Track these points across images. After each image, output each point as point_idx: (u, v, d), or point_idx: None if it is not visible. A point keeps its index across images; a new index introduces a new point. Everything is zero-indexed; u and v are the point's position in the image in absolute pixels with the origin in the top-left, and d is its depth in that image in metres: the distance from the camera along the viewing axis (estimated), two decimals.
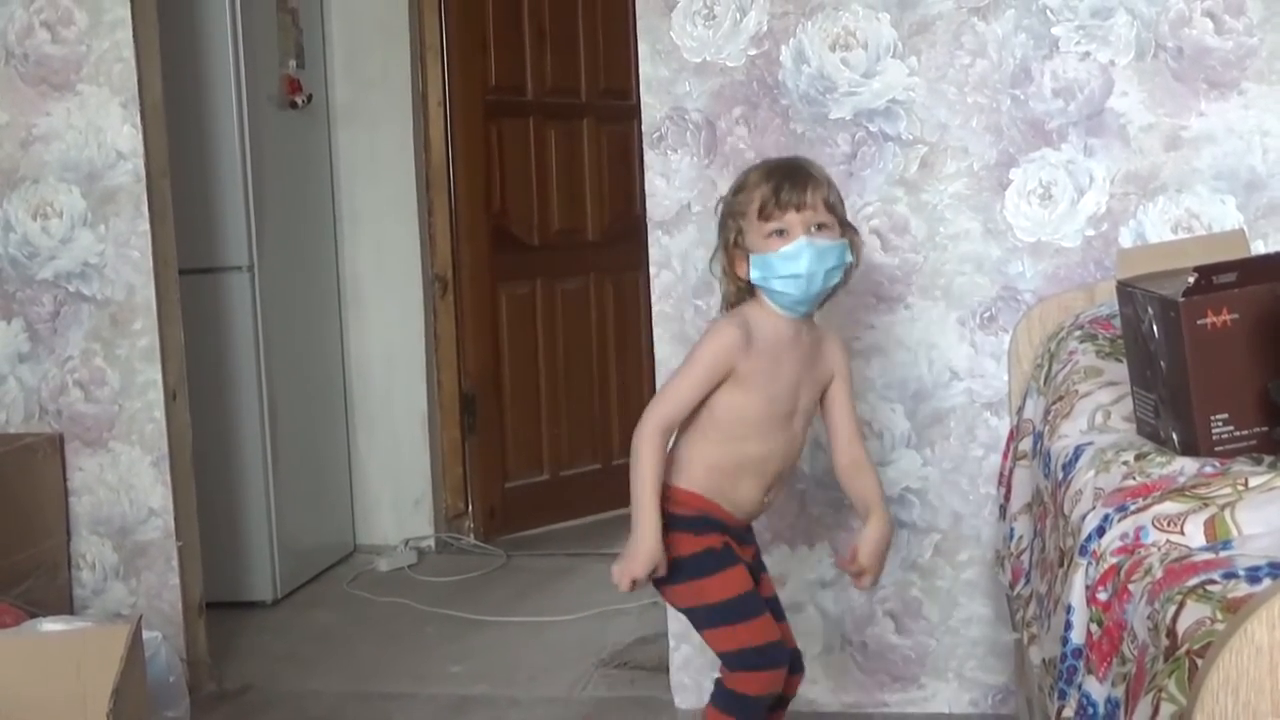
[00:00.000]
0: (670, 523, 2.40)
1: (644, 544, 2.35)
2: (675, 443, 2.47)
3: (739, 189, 2.45)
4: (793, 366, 2.43)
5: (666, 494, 2.41)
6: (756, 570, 2.52)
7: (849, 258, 2.40)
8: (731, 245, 2.42)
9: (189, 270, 3.73)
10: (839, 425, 2.55)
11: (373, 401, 4.74)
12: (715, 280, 2.53)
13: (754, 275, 2.39)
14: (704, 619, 2.46)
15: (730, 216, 2.44)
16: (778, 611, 2.53)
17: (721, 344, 2.39)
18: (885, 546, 2.48)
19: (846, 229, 2.42)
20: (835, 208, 2.40)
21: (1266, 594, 1.19)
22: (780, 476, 2.51)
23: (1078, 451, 2.01)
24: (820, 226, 2.37)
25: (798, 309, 2.41)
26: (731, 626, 2.41)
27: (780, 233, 2.36)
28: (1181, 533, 1.59)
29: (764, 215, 2.37)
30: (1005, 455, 2.71)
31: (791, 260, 2.35)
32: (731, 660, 2.43)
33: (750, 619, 2.41)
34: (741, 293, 2.45)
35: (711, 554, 2.41)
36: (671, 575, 2.41)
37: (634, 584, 2.38)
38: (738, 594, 2.41)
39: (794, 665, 2.53)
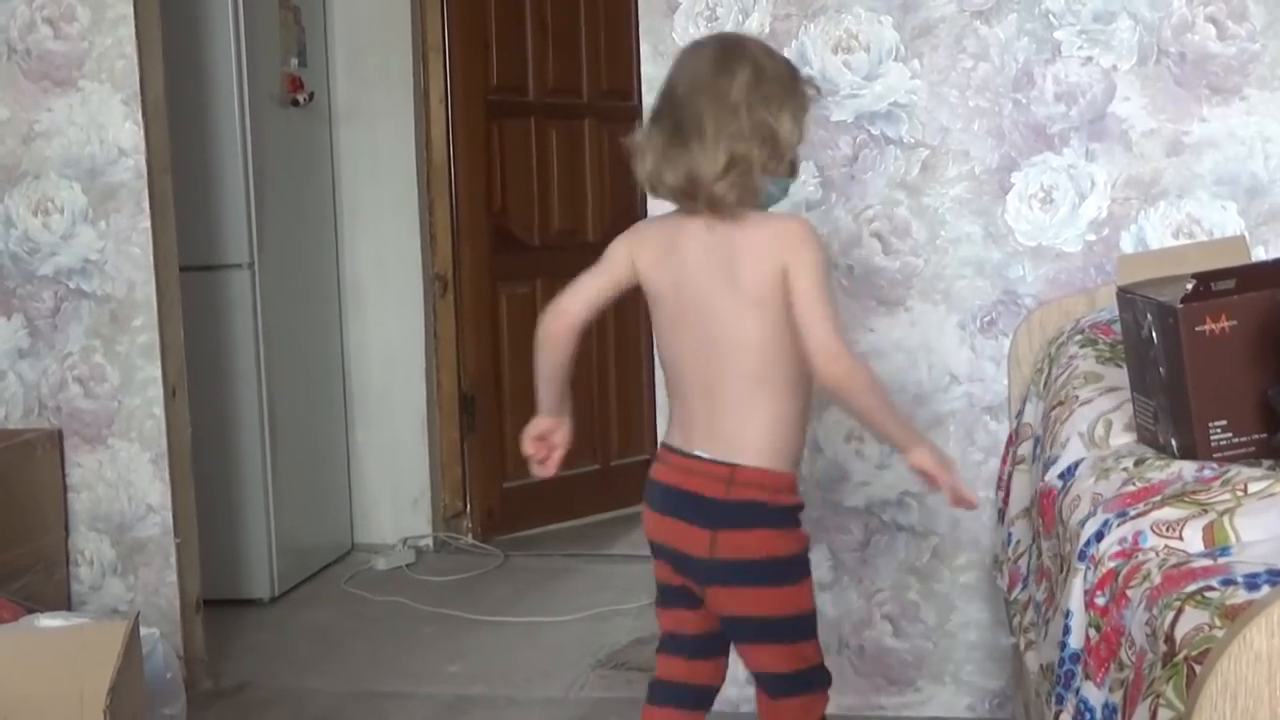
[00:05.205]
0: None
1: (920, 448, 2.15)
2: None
3: (796, 74, 2.16)
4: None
5: None
6: None
7: None
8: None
9: (189, 267, 3.73)
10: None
11: (372, 400, 4.74)
12: (758, 178, 2.10)
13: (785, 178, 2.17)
14: None
15: (802, 104, 2.13)
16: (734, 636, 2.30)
17: None
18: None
19: None
20: None
21: (1265, 601, 1.19)
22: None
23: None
24: None
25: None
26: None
27: None
28: (1180, 538, 1.59)
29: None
30: (1004, 459, 2.71)
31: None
32: None
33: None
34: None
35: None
36: None
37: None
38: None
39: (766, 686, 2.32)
